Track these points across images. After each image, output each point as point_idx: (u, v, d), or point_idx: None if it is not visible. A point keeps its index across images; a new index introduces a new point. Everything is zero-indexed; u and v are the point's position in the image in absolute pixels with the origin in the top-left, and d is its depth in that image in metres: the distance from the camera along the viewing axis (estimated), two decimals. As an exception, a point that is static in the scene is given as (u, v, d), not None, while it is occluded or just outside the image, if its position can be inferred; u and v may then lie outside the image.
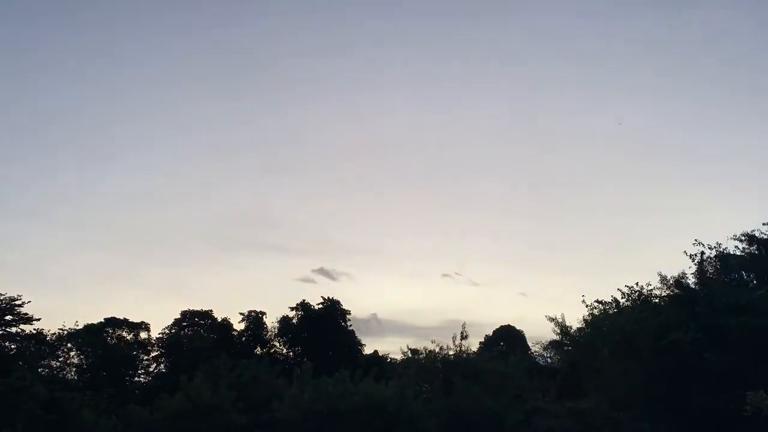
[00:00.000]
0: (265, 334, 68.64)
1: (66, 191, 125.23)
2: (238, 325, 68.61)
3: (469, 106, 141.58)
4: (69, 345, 59.54)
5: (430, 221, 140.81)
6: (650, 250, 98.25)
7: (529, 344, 64.09)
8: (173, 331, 67.73)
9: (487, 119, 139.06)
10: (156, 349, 65.97)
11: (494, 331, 73.97)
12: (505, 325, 74.97)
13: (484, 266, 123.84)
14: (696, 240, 38.33)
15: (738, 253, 37.97)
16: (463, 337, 37.56)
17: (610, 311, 39.93)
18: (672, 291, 38.65)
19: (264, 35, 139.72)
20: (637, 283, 40.24)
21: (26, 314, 38.05)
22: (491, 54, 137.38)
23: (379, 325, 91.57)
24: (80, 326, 61.04)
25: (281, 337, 68.69)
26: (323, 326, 66.53)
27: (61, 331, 58.69)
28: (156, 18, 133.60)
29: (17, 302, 37.52)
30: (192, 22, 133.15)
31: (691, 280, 38.46)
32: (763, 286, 35.31)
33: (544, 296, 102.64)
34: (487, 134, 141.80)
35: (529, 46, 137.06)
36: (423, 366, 37.98)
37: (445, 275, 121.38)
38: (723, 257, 38.01)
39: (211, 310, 69.53)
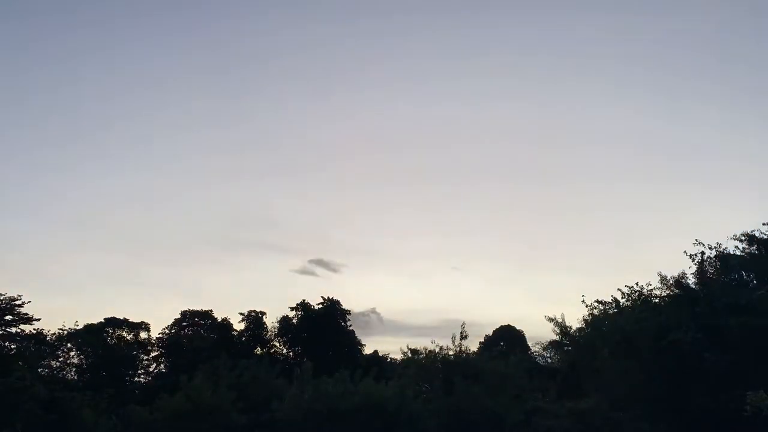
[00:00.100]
0: (265, 334, 68.66)
1: (66, 191, 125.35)
2: (238, 325, 68.76)
3: (469, 105, 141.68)
4: (69, 345, 59.53)
5: (430, 221, 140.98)
6: (650, 250, 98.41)
7: (529, 344, 64.25)
8: (173, 331, 67.75)
9: (487, 118, 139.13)
10: (156, 349, 65.98)
11: (494, 331, 74.03)
12: (505, 325, 75.05)
13: (484, 266, 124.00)
14: (696, 240, 38.35)
15: (738, 253, 37.97)
16: (463, 337, 37.59)
17: (610, 311, 39.93)
18: (672, 291, 38.65)
19: (264, 35, 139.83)
20: (637, 283, 40.24)
21: (26, 314, 38.04)
22: (492, 52, 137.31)
23: (377, 319, 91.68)
24: (80, 326, 61.11)
25: (281, 337, 68.71)
26: (323, 326, 66.54)
27: (61, 331, 58.73)
28: (155, 17, 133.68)
29: (17, 302, 37.51)
30: (191, 21, 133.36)
31: (691, 280, 38.47)
32: (763, 286, 35.29)
33: (544, 296, 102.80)
34: (488, 133, 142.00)
35: (529, 44, 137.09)
36: (423, 366, 37.97)
37: (444, 275, 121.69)
38: (723, 257, 38.01)
39: (211, 310, 69.67)
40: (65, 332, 59.24)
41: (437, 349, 37.73)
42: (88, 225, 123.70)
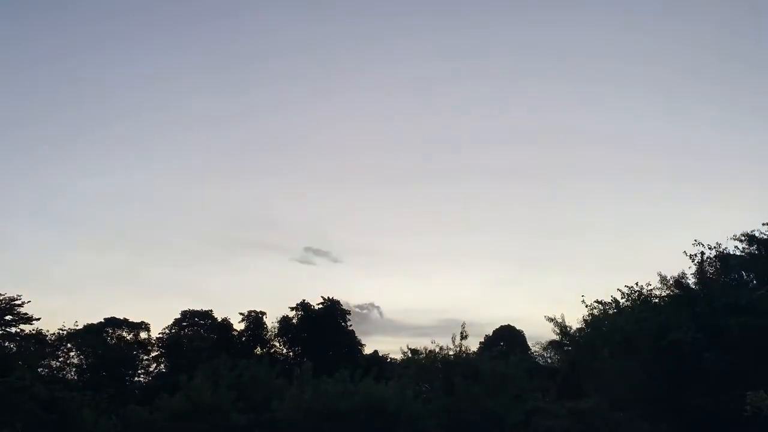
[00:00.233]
0: (265, 334, 68.65)
1: (66, 191, 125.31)
2: (238, 325, 68.75)
3: (470, 105, 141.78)
4: (69, 345, 59.46)
5: (430, 220, 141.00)
6: (650, 250, 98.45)
7: (529, 344, 64.19)
8: (173, 331, 67.74)
9: (487, 118, 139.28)
10: (156, 349, 65.92)
11: (494, 331, 74.04)
12: (505, 325, 75.06)
13: (484, 266, 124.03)
14: (696, 240, 38.41)
15: (738, 253, 38.00)
16: (463, 337, 37.57)
17: (610, 311, 39.97)
18: (672, 291, 38.68)
19: (265, 35, 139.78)
20: (637, 283, 40.31)
21: (26, 314, 38.04)
22: (492, 52, 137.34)
23: (377, 313, 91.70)
24: (80, 326, 61.08)
25: (281, 337, 68.69)
26: (323, 326, 66.52)
27: (61, 331, 58.69)
28: (155, 17, 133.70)
29: (17, 302, 37.51)
30: (191, 22, 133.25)
31: (691, 280, 38.51)
32: (763, 286, 35.31)
33: (544, 296, 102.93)
34: (488, 133, 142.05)
35: (529, 44, 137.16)
36: (423, 366, 37.97)
37: (444, 275, 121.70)
38: (723, 257, 38.03)
39: (211, 310, 69.70)
40: (65, 332, 59.21)
41: (437, 349, 37.77)
42: (88, 225, 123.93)
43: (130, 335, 65.52)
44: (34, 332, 43.89)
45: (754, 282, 37.21)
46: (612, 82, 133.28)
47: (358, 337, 69.93)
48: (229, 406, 34.74)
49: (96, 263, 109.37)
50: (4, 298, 37.22)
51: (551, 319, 43.04)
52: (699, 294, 37.13)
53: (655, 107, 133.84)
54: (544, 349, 50.95)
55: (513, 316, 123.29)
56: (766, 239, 37.15)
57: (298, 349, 67.53)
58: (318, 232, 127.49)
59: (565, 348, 45.59)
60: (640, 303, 38.41)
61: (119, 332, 65.03)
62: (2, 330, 37.74)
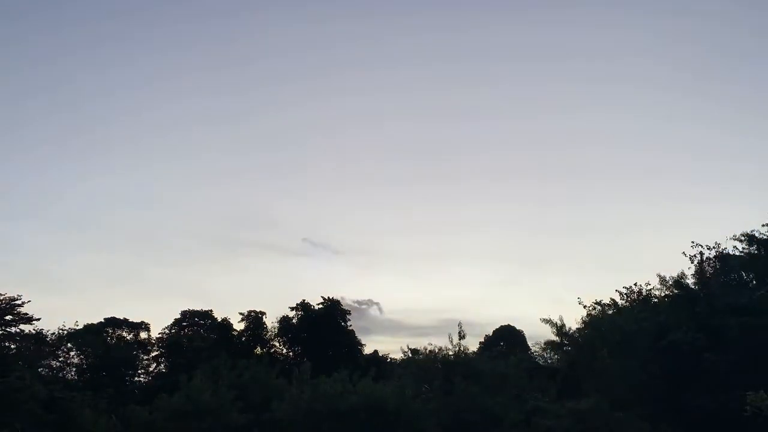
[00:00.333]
0: (265, 334, 68.62)
1: (66, 191, 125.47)
2: (238, 325, 68.75)
3: (470, 106, 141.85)
4: (69, 345, 59.39)
5: (430, 221, 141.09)
6: (650, 250, 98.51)
7: (529, 344, 64.11)
8: (173, 331, 67.73)
9: (488, 119, 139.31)
10: (156, 349, 65.90)
11: (494, 331, 74.08)
12: (505, 325, 75.08)
13: (484, 266, 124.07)
14: (695, 241, 38.44)
15: (738, 253, 38.03)
16: (461, 336, 37.59)
17: (609, 311, 39.99)
18: (671, 291, 38.73)
19: (263, 36, 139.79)
20: (636, 283, 40.37)
21: (26, 314, 37.94)
22: (492, 52, 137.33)
23: (376, 309, 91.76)
24: (80, 326, 61.07)
25: (281, 337, 68.67)
26: (323, 326, 66.49)
27: (61, 331, 58.54)
28: (154, 16, 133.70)
29: (17, 302, 37.41)
30: (191, 21, 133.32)
31: (690, 281, 38.55)
32: (762, 286, 35.35)
33: (544, 296, 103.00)
34: (489, 134, 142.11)
35: (529, 44, 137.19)
36: (423, 366, 37.99)
37: (444, 275, 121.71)
38: (722, 257, 38.07)
39: (211, 310, 69.72)
40: (65, 332, 59.12)
41: (437, 349, 37.79)
42: (88, 225, 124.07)
43: (130, 335, 65.52)
44: (34, 332, 43.82)
45: (754, 282, 37.23)
46: (612, 83, 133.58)
47: (358, 337, 70.04)
48: (229, 406, 34.74)
49: (96, 263, 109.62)
50: (4, 298, 37.16)
51: (548, 321, 43.01)
52: (698, 294, 37.16)
53: (655, 107, 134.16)
54: (544, 349, 50.91)
55: (513, 316, 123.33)
56: (765, 239, 37.15)
57: (297, 349, 67.51)
58: (318, 232, 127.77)
59: (565, 348, 45.57)
60: (639, 303, 38.44)
61: (119, 332, 65.05)
62: (2, 330, 37.67)
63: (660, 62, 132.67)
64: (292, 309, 68.98)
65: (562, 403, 34.96)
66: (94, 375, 57.55)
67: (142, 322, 66.34)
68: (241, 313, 68.84)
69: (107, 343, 62.24)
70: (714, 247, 38.28)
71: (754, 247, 37.60)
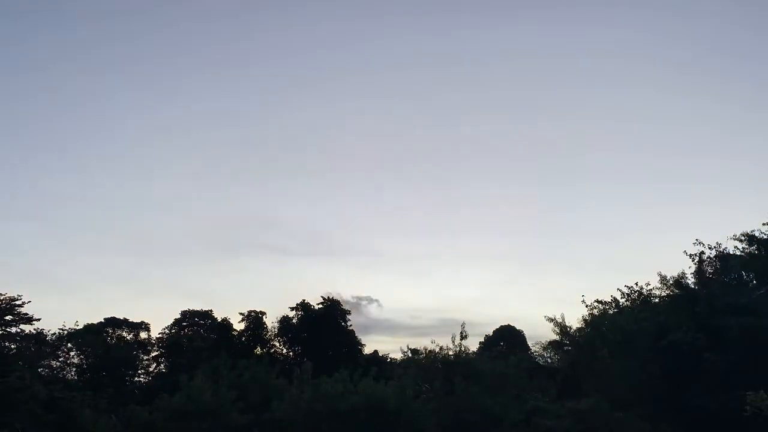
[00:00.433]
0: (265, 334, 68.63)
1: (66, 192, 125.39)
2: (238, 325, 68.78)
3: (470, 107, 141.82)
4: (69, 345, 59.42)
5: (430, 221, 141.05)
6: (650, 250, 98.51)
7: (529, 344, 64.19)
8: (173, 331, 67.78)
9: (488, 119, 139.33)
10: (156, 349, 65.95)
11: (494, 331, 74.09)
12: (505, 325, 75.10)
13: (484, 266, 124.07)
14: (696, 240, 38.44)
15: (738, 253, 38.02)
16: (463, 337, 37.56)
17: (610, 311, 39.99)
18: (672, 291, 38.71)
19: (264, 36, 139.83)
20: (636, 283, 40.36)
21: (26, 314, 37.89)
22: (492, 52, 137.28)
23: (376, 306, 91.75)
24: (80, 326, 61.09)
25: (281, 337, 68.69)
26: (323, 326, 66.51)
27: (61, 331, 58.57)
28: (155, 17, 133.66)
29: (17, 302, 37.37)
30: (192, 21, 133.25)
31: (690, 280, 38.54)
32: (763, 286, 35.35)
33: (544, 296, 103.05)
34: (489, 134, 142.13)
35: (529, 44, 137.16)
36: (423, 366, 37.97)
37: (444, 275, 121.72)
38: (723, 257, 38.05)
39: (211, 310, 69.79)
40: (65, 332, 59.15)
41: (437, 349, 37.77)
42: (88, 225, 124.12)
43: (130, 335, 65.54)
44: (34, 332, 43.82)
45: (754, 282, 37.22)
46: (612, 82, 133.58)
47: (358, 337, 70.09)
48: (229, 406, 34.72)
49: (96, 263, 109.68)
50: (4, 298, 37.12)
51: (551, 319, 43.10)
52: (699, 294, 37.15)
53: (655, 107, 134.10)
54: (544, 349, 50.98)
55: (513, 316, 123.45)
56: (766, 239, 37.15)
57: (298, 349, 67.53)
58: (318, 232, 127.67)
59: (565, 348, 45.59)
60: (639, 303, 38.44)
61: (119, 332, 65.08)
62: (2, 330, 37.64)
63: (660, 62, 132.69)
64: (292, 309, 69.08)
65: (562, 403, 34.96)
66: (94, 375, 57.57)
67: (142, 322, 66.42)
68: (241, 313, 68.97)
69: (107, 343, 62.27)
70: (714, 247, 38.30)
71: (755, 247, 37.59)
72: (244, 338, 68.00)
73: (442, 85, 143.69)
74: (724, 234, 45.59)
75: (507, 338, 70.00)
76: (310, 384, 34.51)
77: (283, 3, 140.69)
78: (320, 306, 68.72)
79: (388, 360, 64.95)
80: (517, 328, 74.12)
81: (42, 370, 46.91)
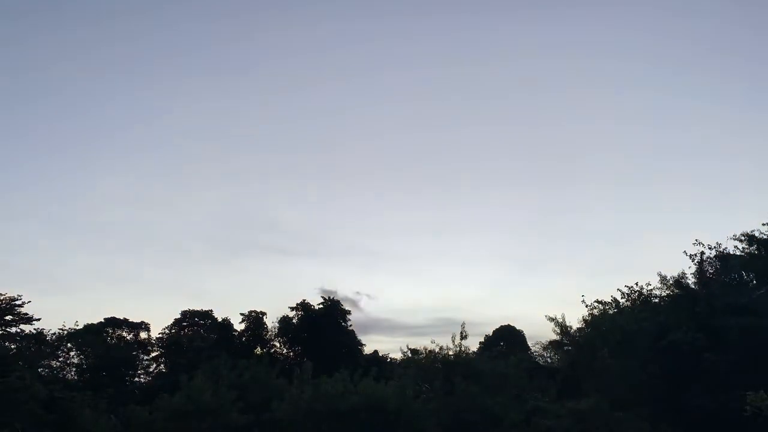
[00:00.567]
0: (265, 334, 68.66)
1: (66, 192, 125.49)
2: (238, 325, 68.83)
3: (470, 107, 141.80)
4: (69, 345, 59.40)
5: (430, 221, 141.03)
6: (650, 250, 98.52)
7: (529, 344, 64.20)
8: (173, 331, 67.76)
9: (488, 119, 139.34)
10: (156, 349, 65.94)
11: (494, 331, 74.08)
12: (505, 325, 75.10)
13: (484, 266, 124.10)
14: (696, 240, 38.45)
15: (738, 253, 38.02)
16: (463, 337, 37.56)
17: (610, 311, 39.98)
18: (672, 291, 38.71)
19: (265, 36, 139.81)
20: (636, 283, 40.35)
21: (26, 314, 37.91)
22: (492, 52, 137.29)
23: (375, 303, 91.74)
24: (80, 326, 61.07)
25: (281, 337, 68.71)
26: (323, 326, 66.53)
27: (61, 331, 58.50)
28: (155, 17, 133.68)
29: (17, 302, 37.40)
30: (192, 22, 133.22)
31: (690, 280, 38.54)
32: (763, 286, 35.35)
33: (544, 296, 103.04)
34: (489, 134, 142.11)
35: (529, 44, 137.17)
36: (423, 366, 37.96)
37: (444, 274, 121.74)
38: (723, 257, 38.05)
39: (211, 310, 69.77)
40: (65, 332, 59.11)
41: (437, 349, 37.77)
42: (88, 225, 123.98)
43: (130, 335, 65.51)
44: (34, 332, 43.83)
45: (754, 282, 37.22)
46: (612, 82, 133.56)
47: (358, 337, 70.12)
48: (229, 406, 34.72)
49: (96, 263, 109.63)
50: (4, 298, 37.14)
51: (551, 319, 43.06)
52: (699, 294, 37.15)
53: (655, 107, 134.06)
54: (544, 348, 50.98)
55: (513, 316, 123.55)
56: (766, 239, 37.15)
57: (298, 349, 67.55)
58: (318, 232, 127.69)
59: (565, 348, 45.58)
60: (639, 303, 38.44)
61: (119, 332, 65.05)
62: (2, 330, 37.66)
63: (660, 62, 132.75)
64: (292, 309, 69.09)
65: (562, 403, 34.95)
66: (94, 375, 57.57)
67: (142, 322, 66.38)
68: (241, 313, 69.06)
69: (107, 343, 62.27)
70: (714, 247, 38.31)
71: (755, 247, 37.60)
72: (244, 338, 68.02)
73: (442, 85, 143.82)
74: (724, 234, 45.76)
75: (507, 338, 70.02)
76: (310, 384, 34.52)
77: (283, 3, 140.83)
78: (320, 306, 68.76)
79: (388, 360, 65.00)
80: (517, 328, 74.21)
81: (42, 370, 46.90)
